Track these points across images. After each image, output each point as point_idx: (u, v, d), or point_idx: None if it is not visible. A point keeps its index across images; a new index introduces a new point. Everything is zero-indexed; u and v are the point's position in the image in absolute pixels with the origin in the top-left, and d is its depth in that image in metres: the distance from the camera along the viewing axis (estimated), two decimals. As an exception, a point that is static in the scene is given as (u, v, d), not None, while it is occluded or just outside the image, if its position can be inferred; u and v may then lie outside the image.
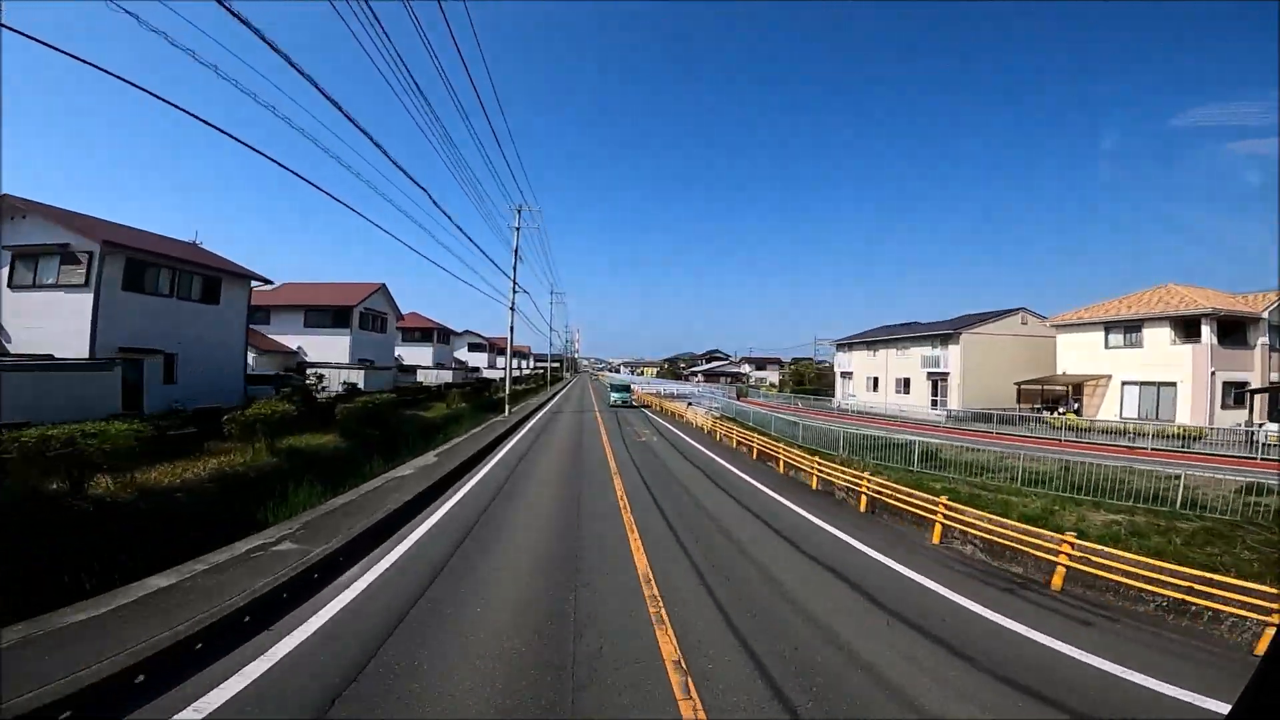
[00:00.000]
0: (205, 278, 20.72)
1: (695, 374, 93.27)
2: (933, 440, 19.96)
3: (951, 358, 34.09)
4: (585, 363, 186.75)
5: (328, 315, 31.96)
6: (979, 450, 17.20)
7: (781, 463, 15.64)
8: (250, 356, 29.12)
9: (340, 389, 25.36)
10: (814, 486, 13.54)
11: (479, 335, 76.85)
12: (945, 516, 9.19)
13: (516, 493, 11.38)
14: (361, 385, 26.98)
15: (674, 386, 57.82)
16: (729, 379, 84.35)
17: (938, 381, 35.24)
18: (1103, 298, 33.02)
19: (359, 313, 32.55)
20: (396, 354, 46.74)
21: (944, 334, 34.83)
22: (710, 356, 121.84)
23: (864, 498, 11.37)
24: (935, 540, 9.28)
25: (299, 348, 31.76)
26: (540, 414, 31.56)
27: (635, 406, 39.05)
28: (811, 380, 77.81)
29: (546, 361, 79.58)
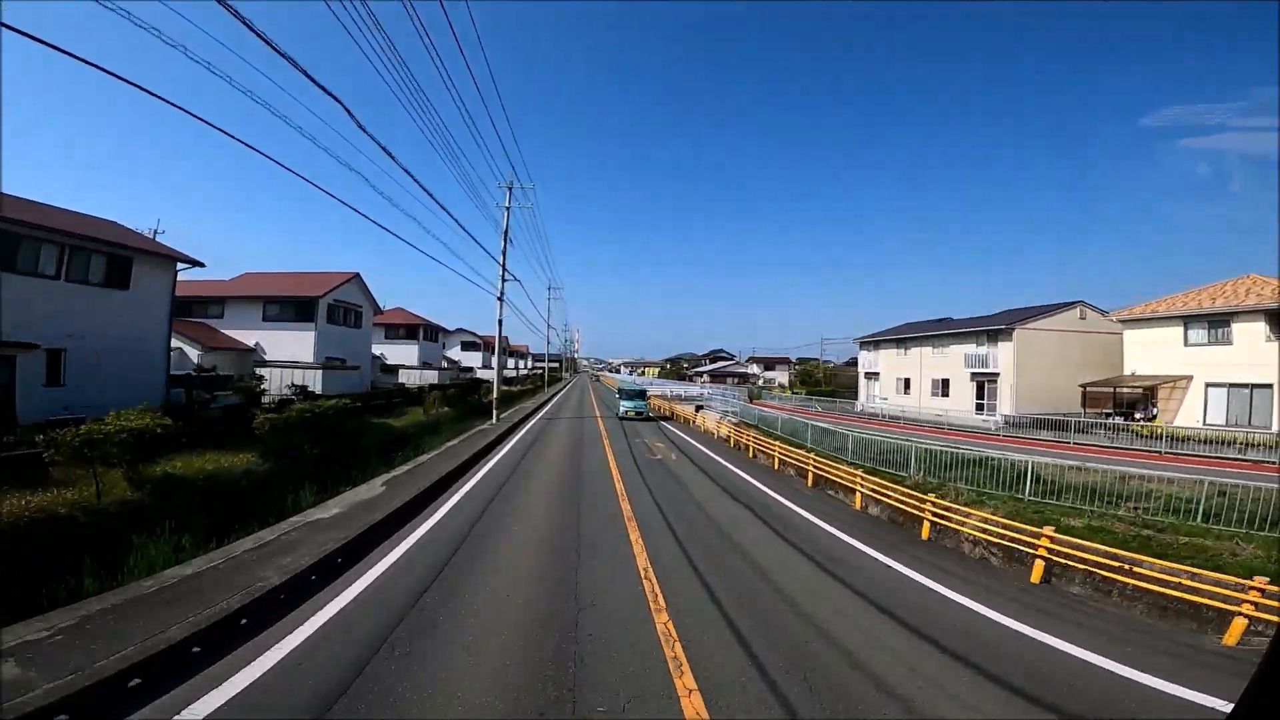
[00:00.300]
0: (110, 257, 16.60)
1: (700, 374, 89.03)
2: (1009, 454, 15.97)
3: (1002, 356, 29.98)
4: (585, 363, 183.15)
5: (290, 307, 27.81)
6: (1091, 469, 13.23)
7: (859, 496, 11.56)
8: (194, 354, 25.09)
9: (287, 391, 21.21)
10: (924, 535, 9.47)
11: (473, 334, 72.74)
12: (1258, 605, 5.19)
13: (477, 560, 7.25)
14: (317, 387, 22.87)
15: (680, 388, 53.72)
16: (736, 379, 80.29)
17: (984, 383, 31.13)
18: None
19: (326, 305, 28.41)
20: (378, 352, 42.68)
21: (993, 330, 30.72)
22: (714, 356, 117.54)
23: (1039, 562, 7.29)
24: (1231, 641, 5.31)
25: (256, 344, 27.63)
26: (535, 420, 27.50)
27: (651, 418, 29.55)
28: (820, 381, 73.91)
29: (546, 361, 75.31)
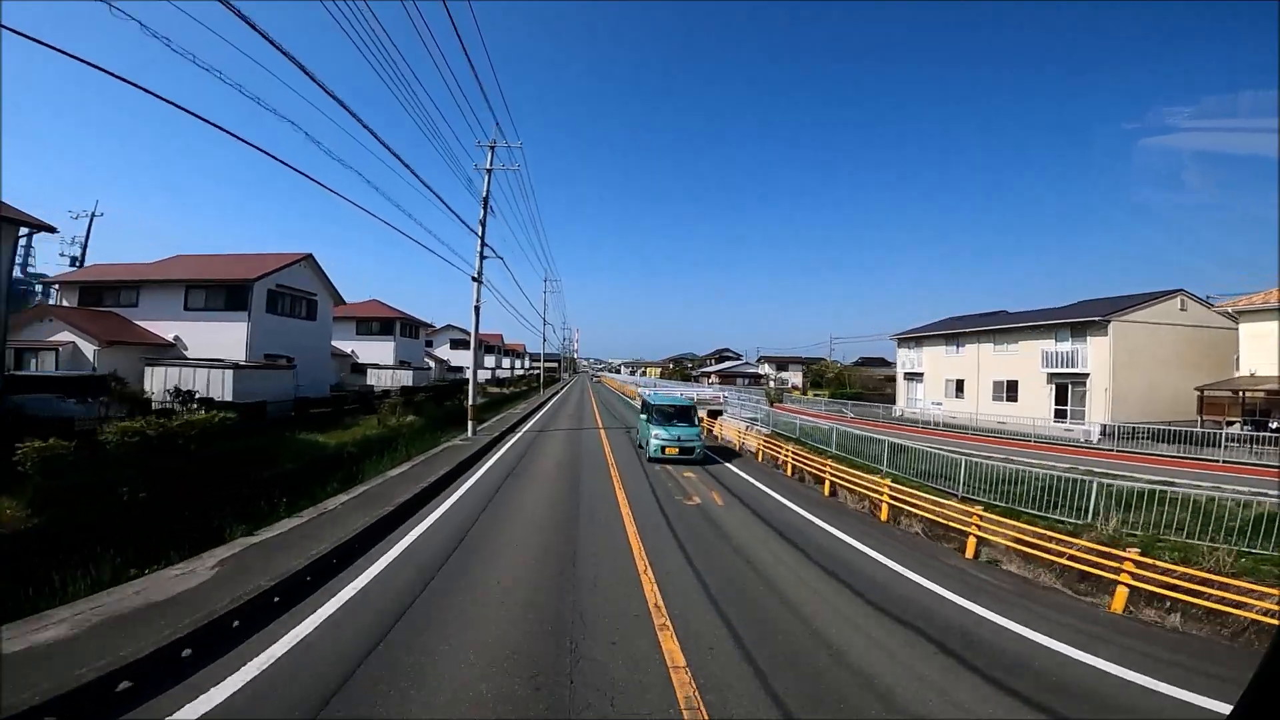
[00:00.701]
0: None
1: (707, 375, 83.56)
2: (1177, 484, 10.84)
3: (1093, 354, 24.70)
4: (584, 363, 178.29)
5: (218, 294, 22.47)
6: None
7: (1123, 592, 6.24)
8: (90, 350, 19.81)
9: (166, 399, 15.85)
10: None
11: (463, 330, 67.38)
12: None
13: None
14: (225, 391, 17.55)
15: (691, 391, 48.39)
16: (747, 380, 75.02)
17: (1068, 386, 25.84)
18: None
19: (265, 291, 23.06)
20: (347, 349, 37.43)
21: (1079, 322, 25.43)
22: (720, 356, 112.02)
23: None
24: None
25: (176, 338, 22.33)
26: (523, 430, 22.25)
27: (694, 460, 15.76)
28: (837, 382, 68.72)
29: (547, 361, 69.68)
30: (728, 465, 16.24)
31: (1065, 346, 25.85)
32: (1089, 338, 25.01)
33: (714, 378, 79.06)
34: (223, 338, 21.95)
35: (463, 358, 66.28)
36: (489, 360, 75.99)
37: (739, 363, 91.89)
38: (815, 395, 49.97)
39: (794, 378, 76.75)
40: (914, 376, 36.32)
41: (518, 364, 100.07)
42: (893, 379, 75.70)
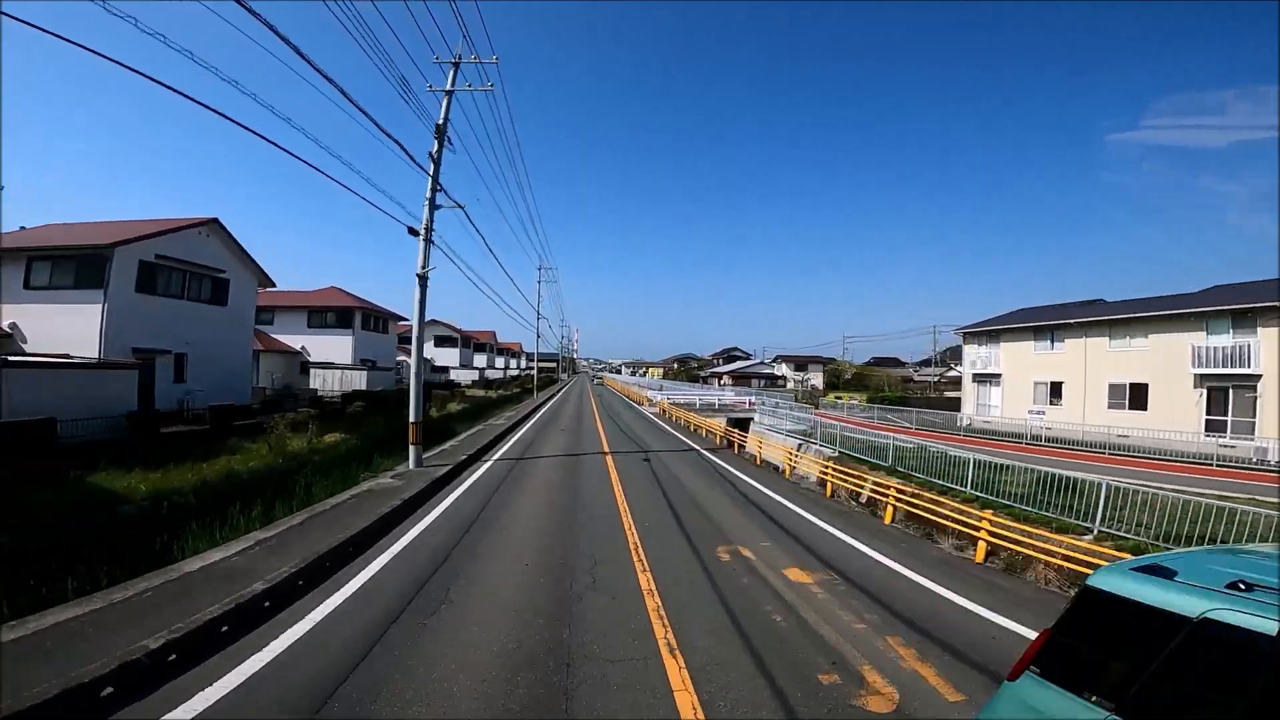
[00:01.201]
0: None
1: (718, 377, 77.02)
2: None
3: (1266, 349, 18.36)
4: (584, 363, 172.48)
5: (67, 267, 16.18)
6: None
7: None
8: None
9: None
10: None
11: (450, 326, 61.17)
12: None
13: None
14: None
15: (712, 395, 42.15)
16: (763, 382, 68.59)
17: (1228, 390, 19.48)
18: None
19: (137, 262, 16.75)
20: (298, 345, 31.16)
21: (1249, 309, 19.07)
22: (730, 355, 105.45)
23: None
24: None
25: (13, 326, 16.06)
26: (496, 456, 15.87)
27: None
28: (849, 383, 62.76)
29: (543, 360, 62.97)
30: (812, 518, 9.82)
31: (1224, 340, 19.48)
32: (1260, 328, 18.65)
33: (726, 379, 72.63)
34: (73, 324, 15.66)
35: (448, 356, 59.94)
36: (479, 360, 69.68)
37: (751, 363, 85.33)
38: (851, 399, 43.59)
39: (814, 378, 70.45)
40: (986, 378, 29.93)
41: (513, 364, 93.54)
42: (909, 379, 69.95)
